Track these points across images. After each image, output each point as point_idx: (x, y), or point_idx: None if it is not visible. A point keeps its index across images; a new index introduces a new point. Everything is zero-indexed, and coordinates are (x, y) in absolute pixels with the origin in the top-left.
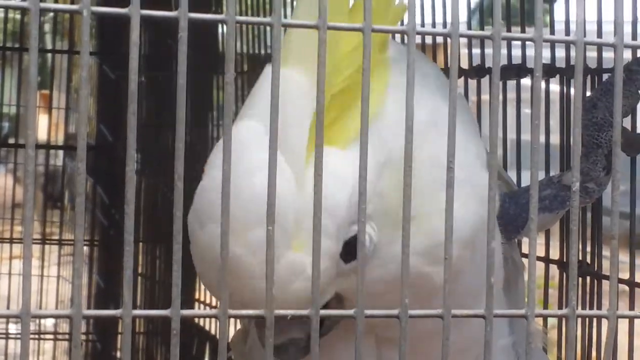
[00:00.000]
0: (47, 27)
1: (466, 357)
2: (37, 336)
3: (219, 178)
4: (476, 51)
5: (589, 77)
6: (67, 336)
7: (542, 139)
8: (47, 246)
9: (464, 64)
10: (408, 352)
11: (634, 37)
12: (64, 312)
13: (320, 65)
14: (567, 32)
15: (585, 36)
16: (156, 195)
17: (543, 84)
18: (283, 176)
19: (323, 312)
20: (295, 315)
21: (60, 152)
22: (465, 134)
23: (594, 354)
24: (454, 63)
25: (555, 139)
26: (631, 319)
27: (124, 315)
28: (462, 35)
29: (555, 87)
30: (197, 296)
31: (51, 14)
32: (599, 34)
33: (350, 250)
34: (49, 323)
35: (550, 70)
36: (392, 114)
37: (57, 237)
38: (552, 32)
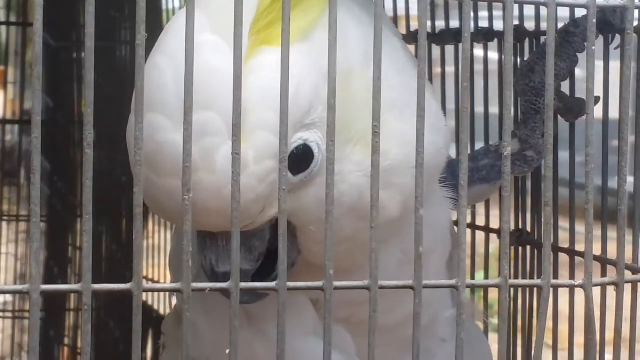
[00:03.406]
0: (1, 2)
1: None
2: None
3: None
4: (439, 24)
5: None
6: (24, 314)
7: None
8: (3, 223)
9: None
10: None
11: None
12: (21, 287)
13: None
14: None
15: None
16: (102, 172)
17: (482, 51)
18: (227, 62)
19: (243, 284)
20: (214, 287)
21: (16, 128)
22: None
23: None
24: (422, 24)
25: (494, 108)
26: (572, 290)
27: (83, 289)
28: None
29: (494, 54)
30: (144, 274)
31: None
32: None
33: (297, 162)
34: (8, 300)
35: (487, 35)
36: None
37: (14, 214)
38: None
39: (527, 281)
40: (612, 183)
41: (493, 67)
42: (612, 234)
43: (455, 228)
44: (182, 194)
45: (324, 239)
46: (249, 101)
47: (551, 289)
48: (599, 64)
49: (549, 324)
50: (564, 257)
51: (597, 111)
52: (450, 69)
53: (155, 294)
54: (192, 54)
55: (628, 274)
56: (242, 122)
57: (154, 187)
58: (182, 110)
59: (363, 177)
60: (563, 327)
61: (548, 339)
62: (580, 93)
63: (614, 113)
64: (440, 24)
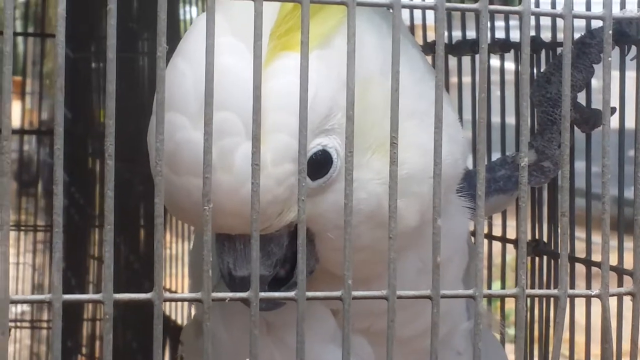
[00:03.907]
0: (18, 12)
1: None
2: (13, 324)
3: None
4: (456, 34)
5: (543, 51)
6: (41, 324)
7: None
8: (21, 233)
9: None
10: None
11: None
12: (43, 297)
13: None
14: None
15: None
16: (120, 182)
17: (499, 61)
18: (246, 64)
19: (263, 294)
20: (233, 297)
21: (34, 138)
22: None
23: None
24: (440, 34)
25: (511, 119)
26: (588, 300)
27: (105, 299)
28: (448, 9)
29: (510, 65)
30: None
31: None
32: (588, 7)
33: (315, 167)
34: (25, 310)
35: (504, 46)
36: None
37: (31, 224)
38: (537, 5)
39: (544, 291)
40: (629, 193)
41: (510, 77)
42: (628, 243)
43: (473, 238)
44: (202, 203)
45: (341, 246)
46: (268, 104)
47: (568, 299)
48: (615, 74)
49: (566, 334)
50: (580, 267)
51: (614, 121)
52: (466, 79)
53: (172, 303)
54: (212, 56)
55: None
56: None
57: (173, 187)
58: (201, 109)
59: (381, 185)
60: (579, 338)
61: (565, 349)
62: (597, 104)
63: (630, 123)
64: (457, 34)
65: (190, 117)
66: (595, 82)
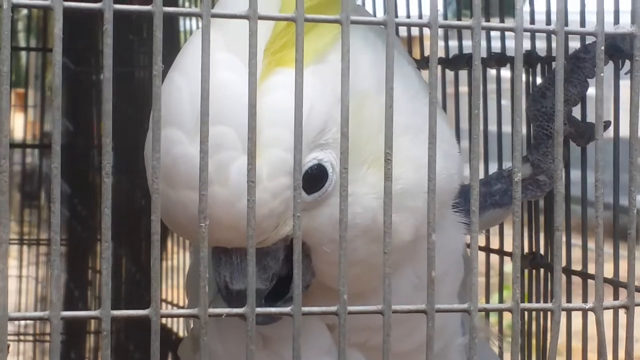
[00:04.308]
0: (21, 25)
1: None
2: (16, 337)
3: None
4: (453, 43)
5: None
6: (45, 337)
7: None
8: (24, 246)
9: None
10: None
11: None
12: (42, 314)
13: (251, 56)
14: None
15: (567, 26)
16: (121, 195)
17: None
18: (242, 79)
19: (259, 309)
20: (230, 313)
21: (37, 151)
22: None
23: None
24: (433, 51)
25: (508, 127)
26: (584, 312)
27: (102, 315)
28: (442, 26)
29: (507, 73)
30: (163, 296)
31: (25, 12)
32: (582, 19)
33: (311, 181)
34: (29, 323)
35: (500, 60)
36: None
37: (34, 237)
38: (533, 22)
39: (539, 305)
40: (624, 201)
41: (506, 86)
42: (624, 253)
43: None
44: (199, 220)
45: (337, 260)
46: (263, 119)
47: (564, 312)
48: (611, 84)
49: (563, 345)
50: (577, 278)
51: (609, 131)
52: (464, 88)
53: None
54: (207, 74)
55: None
56: (256, 138)
57: (170, 201)
58: (198, 124)
59: (376, 200)
60: (578, 346)
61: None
62: (592, 117)
63: (626, 132)
64: (453, 44)
65: (186, 132)
66: (592, 94)
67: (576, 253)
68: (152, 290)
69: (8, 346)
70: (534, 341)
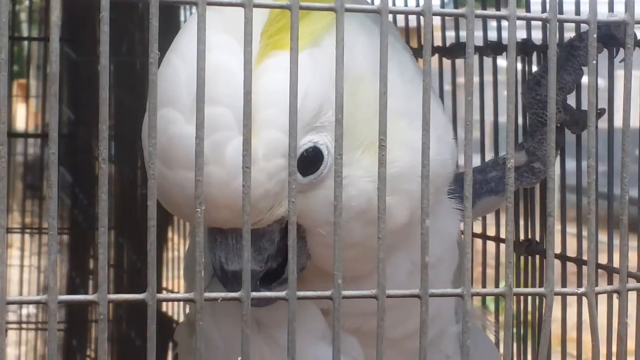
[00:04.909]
0: (23, 15)
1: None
2: (17, 326)
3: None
4: (450, 34)
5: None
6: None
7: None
8: (26, 235)
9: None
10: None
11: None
12: (39, 297)
13: (247, 43)
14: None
15: (562, 14)
16: (124, 184)
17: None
18: (238, 60)
19: (255, 294)
20: (225, 297)
21: (39, 141)
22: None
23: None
24: (427, 39)
25: (504, 117)
26: (578, 298)
27: (99, 299)
28: (435, 14)
29: (503, 62)
30: (164, 284)
31: (27, 2)
32: (577, 8)
33: (306, 163)
34: (31, 312)
35: (496, 48)
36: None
37: (36, 227)
38: (528, 11)
39: (531, 289)
40: (618, 190)
41: (503, 77)
42: (618, 241)
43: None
44: (194, 204)
45: (332, 243)
46: (259, 100)
47: (559, 297)
48: (606, 73)
49: (572, 333)
50: (572, 266)
51: (603, 120)
52: (460, 80)
53: (176, 305)
54: (203, 61)
55: (633, 282)
56: (252, 119)
57: (166, 181)
58: (194, 104)
59: (371, 183)
60: (586, 337)
61: (572, 348)
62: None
63: (619, 121)
64: (450, 34)
65: (183, 112)
66: (586, 82)
67: (572, 242)
68: (148, 275)
69: (6, 330)
70: (529, 328)
